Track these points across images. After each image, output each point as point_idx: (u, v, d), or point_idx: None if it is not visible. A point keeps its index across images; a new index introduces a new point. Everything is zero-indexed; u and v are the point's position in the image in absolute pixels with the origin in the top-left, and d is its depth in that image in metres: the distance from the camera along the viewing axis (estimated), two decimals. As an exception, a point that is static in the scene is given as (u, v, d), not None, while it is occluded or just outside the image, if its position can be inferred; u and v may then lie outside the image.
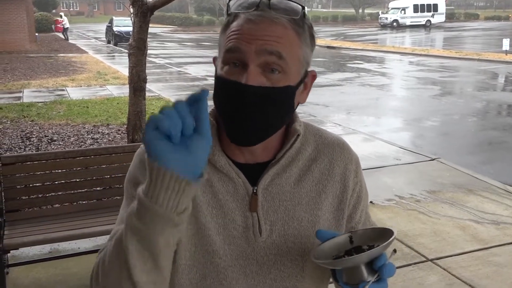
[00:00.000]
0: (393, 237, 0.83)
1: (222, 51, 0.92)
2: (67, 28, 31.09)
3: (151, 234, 0.74)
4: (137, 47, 5.40)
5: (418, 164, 6.05)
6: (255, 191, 0.98)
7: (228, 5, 0.93)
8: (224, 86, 0.90)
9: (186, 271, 0.95)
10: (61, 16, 32.52)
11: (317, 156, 1.03)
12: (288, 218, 0.99)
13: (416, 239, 3.99)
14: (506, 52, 18.75)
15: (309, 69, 0.97)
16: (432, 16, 45.92)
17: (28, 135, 7.10)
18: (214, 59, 0.99)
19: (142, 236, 0.74)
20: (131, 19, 5.62)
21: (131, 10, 5.51)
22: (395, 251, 0.91)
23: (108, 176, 3.50)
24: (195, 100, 0.70)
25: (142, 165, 0.98)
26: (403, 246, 3.86)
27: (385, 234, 0.88)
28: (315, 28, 0.98)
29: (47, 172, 3.35)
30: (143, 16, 5.33)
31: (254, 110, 0.88)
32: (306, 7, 0.93)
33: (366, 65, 18.11)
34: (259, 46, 0.86)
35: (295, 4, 0.91)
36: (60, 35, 31.68)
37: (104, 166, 3.46)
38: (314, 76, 0.99)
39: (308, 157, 1.03)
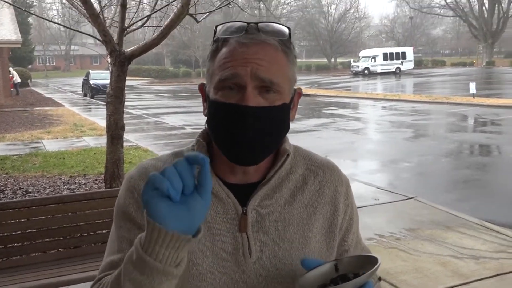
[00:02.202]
0: (377, 264, 0.84)
1: (215, 78, 0.93)
2: (18, 83, 29.02)
3: (149, 285, 0.75)
4: (115, 96, 5.45)
5: (396, 203, 6.12)
6: (244, 211, 0.97)
7: (215, 32, 0.96)
8: (224, 110, 0.91)
9: None
10: (9, 72, 27.15)
11: (307, 178, 1.04)
12: (279, 239, 0.98)
13: (398, 277, 3.99)
14: (474, 95, 19.47)
15: (295, 87, 1.00)
16: (401, 63, 47.67)
17: (2, 188, 6.95)
18: (201, 86, 1.00)
19: (140, 286, 0.76)
20: (108, 69, 5.70)
21: (109, 60, 5.60)
22: (380, 279, 0.92)
23: (86, 223, 3.44)
24: (196, 162, 0.72)
25: (129, 193, 0.99)
26: (386, 284, 3.84)
27: (370, 261, 0.88)
28: None
29: (23, 220, 3.28)
30: (120, 66, 5.42)
31: (256, 130, 0.90)
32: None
33: (340, 111, 18.51)
34: (254, 70, 0.89)
35: (281, 26, 0.95)
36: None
37: (81, 212, 3.41)
38: (299, 93, 1.02)
39: (299, 179, 1.03)
